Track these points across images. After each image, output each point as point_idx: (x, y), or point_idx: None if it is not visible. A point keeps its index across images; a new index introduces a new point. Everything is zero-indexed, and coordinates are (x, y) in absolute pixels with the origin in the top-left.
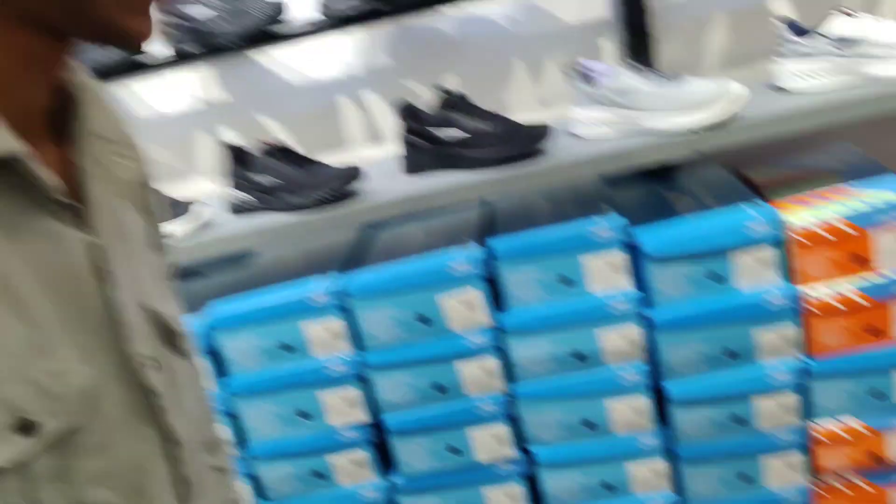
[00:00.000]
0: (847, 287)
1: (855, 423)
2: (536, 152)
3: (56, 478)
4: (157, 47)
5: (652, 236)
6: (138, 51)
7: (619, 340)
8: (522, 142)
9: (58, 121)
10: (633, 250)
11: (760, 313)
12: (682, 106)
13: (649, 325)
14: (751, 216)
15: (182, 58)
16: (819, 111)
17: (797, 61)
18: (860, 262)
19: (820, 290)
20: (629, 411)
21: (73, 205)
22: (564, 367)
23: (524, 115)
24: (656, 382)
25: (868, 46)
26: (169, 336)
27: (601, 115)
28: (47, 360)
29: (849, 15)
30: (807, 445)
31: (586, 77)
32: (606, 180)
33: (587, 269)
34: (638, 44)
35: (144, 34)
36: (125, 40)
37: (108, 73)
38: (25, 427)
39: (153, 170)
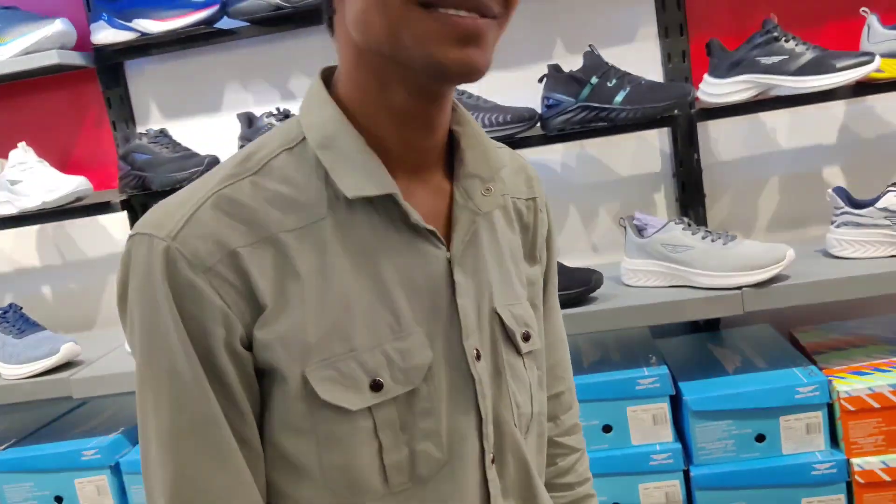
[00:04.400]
0: None
1: None
2: (584, 297)
3: (397, 426)
4: None
5: (698, 391)
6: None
7: (658, 495)
8: (570, 285)
9: (448, 160)
10: (678, 404)
11: (806, 479)
12: (733, 266)
13: (691, 481)
14: (801, 380)
15: None
16: (867, 280)
17: (848, 230)
18: None
19: (869, 461)
20: None
21: (433, 230)
22: None
23: (575, 260)
24: None
25: None
26: (509, 335)
27: (651, 267)
28: (400, 341)
29: None
30: None
31: (638, 229)
32: (653, 330)
33: (631, 420)
34: (689, 201)
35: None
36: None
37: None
38: (376, 385)
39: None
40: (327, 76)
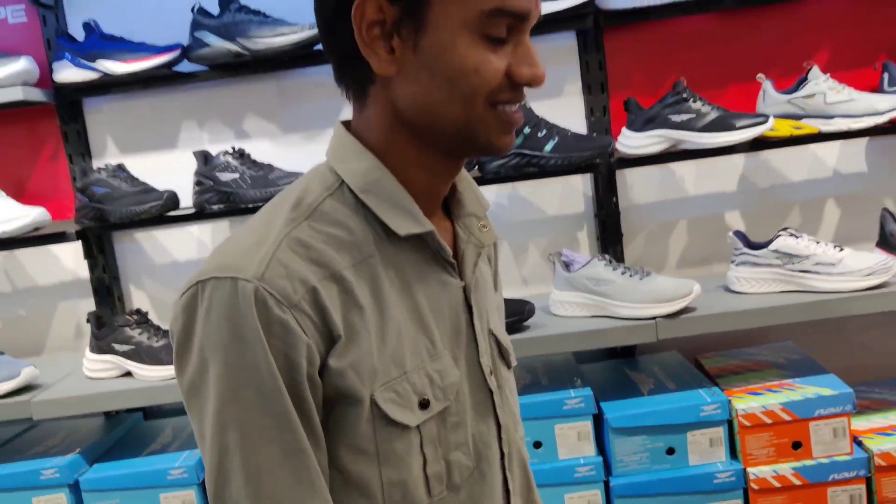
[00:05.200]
0: (785, 468)
1: None
2: (519, 325)
3: (435, 440)
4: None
5: (617, 410)
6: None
7: None
8: (506, 314)
9: (447, 201)
10: (600, 422)
11: (709, 487)
12: (647, 298)
13: (611, 490)
14: (705, 400)
15: (203, 213)
16: (762, 312)
17: (746, 269)
18: (797, 446)
19: (762, 470)
20: None
21: (454, 263)
22: None
23: (507, 291)
24: None
25: (808, 263)
26: (502, 352)
27: (576, 299)
28: (436, 363)
29: (794, 235)
30: None
31: (566, 264)
32: (577, 356)
33: (559, 436)
34: (609, 239)
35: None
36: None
37: (142, 222)
38: (423, 404)
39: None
40: (346, 127)
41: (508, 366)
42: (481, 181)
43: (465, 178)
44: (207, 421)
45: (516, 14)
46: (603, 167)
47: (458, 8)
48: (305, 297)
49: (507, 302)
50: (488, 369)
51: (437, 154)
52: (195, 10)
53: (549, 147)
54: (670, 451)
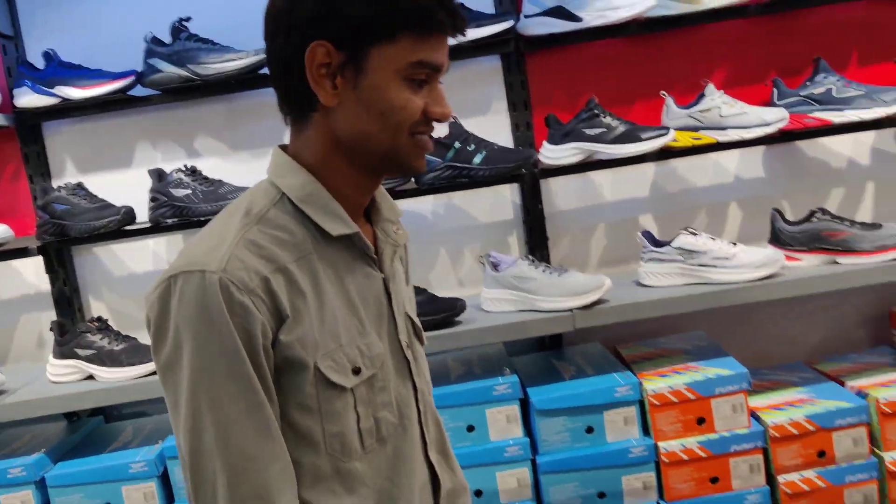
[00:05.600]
0: (692, 442)
1: None
2: (451, 320)
3: (366, 401)
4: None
5: (542, 394)
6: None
7: (511, 481)
8: (439, 310)
9: (367, 210)
10: (527, 406)
11: (625, 461)
12: (565, 292)
13: (538, 468)
14: (619, 382)
15: (158, 227)
16: (667, 302)
17: (653, 265)
18: (701, 422)
19: (671, 444)
20: None
21: (375, 258)
22: None
23: (445, 292)
24: None
25: (705, 258)
26: (416, 331)
27: (504, 296)
28: (364, 338)
29: (693, 234)
30: None
31: (494, 265)
32: (508, 349)
33: (490, 420)
34: (536, 242)
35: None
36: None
37: (101, 236)
38: (356, 371)
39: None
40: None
41: (421, 342)
42: (418, 192)
43: (381, 191)
44: (182, 389)
45: (433, 66)
46: (528, 177)
47: (391, 58)
48: (259, 285)
49: (441, 300)
50: (405, 343)
51: (364, 171)
52: (148, 38)
53: (477, 160)
54: (589, 430)
